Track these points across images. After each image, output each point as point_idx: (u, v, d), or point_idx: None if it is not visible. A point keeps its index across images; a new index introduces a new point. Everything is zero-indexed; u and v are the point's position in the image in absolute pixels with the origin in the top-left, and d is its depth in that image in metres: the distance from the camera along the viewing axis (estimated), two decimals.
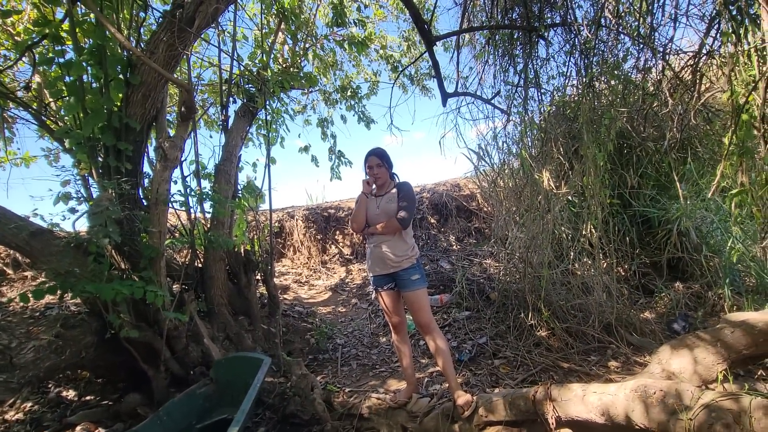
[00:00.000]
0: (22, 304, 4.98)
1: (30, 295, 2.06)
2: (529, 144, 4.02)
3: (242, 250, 3.97)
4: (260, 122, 4.93)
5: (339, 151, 6.22)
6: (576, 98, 3.76)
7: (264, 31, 4.92)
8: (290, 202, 10.07)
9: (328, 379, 3.40)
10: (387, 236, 2.58)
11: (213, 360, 3.13)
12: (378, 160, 2.70)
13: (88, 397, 3.31)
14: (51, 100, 3.32)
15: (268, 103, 4.40)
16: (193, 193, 3.45)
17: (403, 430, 2.56)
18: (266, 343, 3.83)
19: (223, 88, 4.14)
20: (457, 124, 4.30)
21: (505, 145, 4.29)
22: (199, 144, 3.88)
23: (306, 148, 6.16)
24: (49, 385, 3.37)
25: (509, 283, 4.21)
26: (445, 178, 8.68)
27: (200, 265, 3.69)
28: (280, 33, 5.24)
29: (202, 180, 3.82)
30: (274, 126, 4.91)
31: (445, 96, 4.07)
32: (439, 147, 4.46)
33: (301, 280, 6.32)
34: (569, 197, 3.86)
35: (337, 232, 7.40)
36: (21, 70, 4.19)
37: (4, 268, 6.27)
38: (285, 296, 5.46)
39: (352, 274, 6.48)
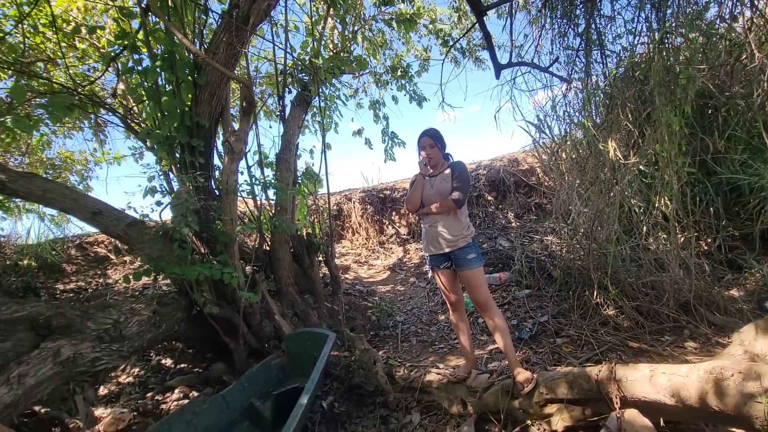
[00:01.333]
0: (124, 285, 5.75)
1: (131, 277, 2.39)
2: (593, 112, 3.75)
3: (304, 233, 4.21)
4: (315, 109, 5.10)
5: (392, 132, 6.25)
6: (647, 57, 3.41)
7: (314, 18, 5.02)
8: (347, 185, 10.37)
9: (389, 354, 3.55)
10: (442, 216, 2.60)
11: (284, 334, 3.41)
12: (431, 141, 2.70)
13: (182, 365, 3.80)
14: (133, 105, 3.73)
15: (321, 90, 4.53)
16: (257, 182, 3.71)
17: (463, 404, 2.63)
18: (330, 320, 4.08)
19: (279, 79, 4.33)
20: (512, 96, 4.12)
21: (566, 114, 4.04)
22: (260, 135, 4.14)
23: (359, 132, 6.26)
24: (151, 354, 3.91)
25: (572, 260, 4.04)
26: (502, 153, 8.37)
27: (268, 249, 3.98)
28: (329, 19, 5.31)
29: (264, 169, 4.08)
30: (327, 112, 5.06)
31: (499, 68, 3.90)
32: (494, 121, 4.31)
33: (360, 261, 6.55)
34: (640, 167, 3.56)
35: (394, 213, 7.51)
36: (107, 80, 4.71)
37: (108, 254, 7.23)
38: (346, 276, 5.71)
39: (409, 253, 6.58)
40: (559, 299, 3.76)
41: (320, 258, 4.41)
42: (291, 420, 1.98)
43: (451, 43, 6.06)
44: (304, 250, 4.13)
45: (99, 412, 2.85)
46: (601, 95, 3.64)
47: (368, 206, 7.48)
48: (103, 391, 3.41)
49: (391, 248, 6.97)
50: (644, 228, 3.52)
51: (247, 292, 2.88)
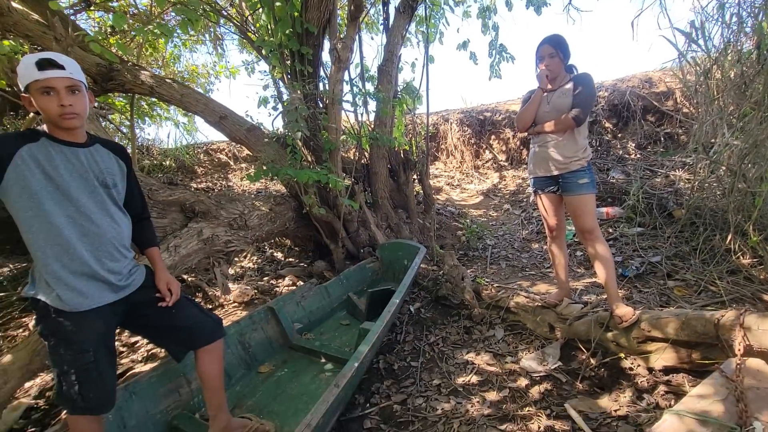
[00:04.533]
0: (241, 187, 6.54)
1: (253, 176, 2.70)
2: None
3: (401, 150, 4.24)
4: (418, 18, 4.76)
5: (501, 45, 5.62)
6: None
7: None
8: (444, 106, 9.92)
9: (477, 274, 3.63)
10: (555, 136, 2.37)
11: (378, 243, 3.66)
12: (551, 49, 2.36)
13: (290, 259, 4.37)
14: (248, 13, 3.86)
15: None
16: (359, 94, 3.73)
17: (550, 328, 2.63)
18: (421, 236, 4.23)
19: None
20: None
21: (734, 18, 3.18)
22: (362, 47, 4.06)
23: (464, 44, 5.76)
24: (266, 247, 4.54)
25: (705, 199, 3.48)
26: (632, 72, 7.09)
27: (366, 162, 4.13)
28: None
29: (365, 82, 4.06)
30: (432, 21, 4.70)
31: None
32: (630, 30, 3.59)
33: (453, 183, 6.48)
34: None
35: (493, 137, 7.09)
36: None
37: (229, 160, 8.20)
38: (437, 197, 5.74)
39: (505, 180, 6.30)
40: (678, 241, 3.35)
41: (415, 176, 4.45)
42: (384, 314, 2.19)
43: None
44: (400, 166, 4.19)
45: (229, 286, 3.48)
46: None
47: (466, 128, 7.15)
48: (231, 271, 4.13)
49: (486, 173, 6.73)
50: None
51: (347, 200, 3.08)
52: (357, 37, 3.57)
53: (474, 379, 2.27)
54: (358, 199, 3.55)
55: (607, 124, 6.37)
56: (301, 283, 3.76)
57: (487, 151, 7.11)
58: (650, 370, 2.10)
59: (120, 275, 1.49)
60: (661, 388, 1.96)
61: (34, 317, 1.44)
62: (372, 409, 2.07)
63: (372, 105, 4.07)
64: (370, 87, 4.21)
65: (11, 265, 4.28)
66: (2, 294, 3.93)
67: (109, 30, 4.98)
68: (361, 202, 3.70)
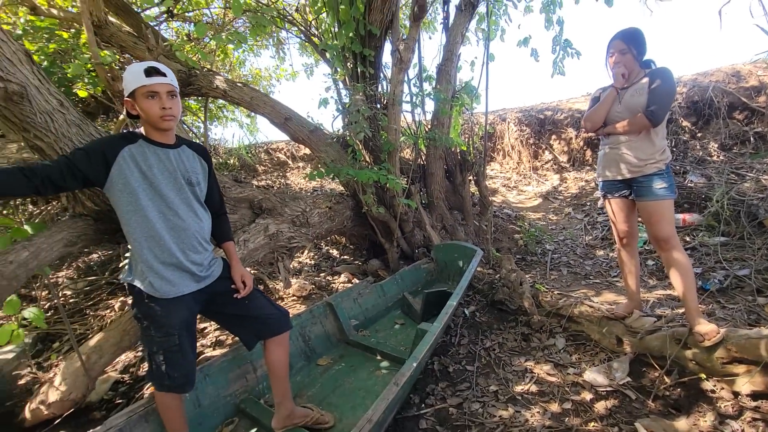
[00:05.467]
0: (298, 185, 6.80)
1: (315, 174, 2.80)
2: None
3: (457, 150, 4.18)
4: (478, 16, 4.67)
5: (565, 40, 5.35)
6: None
7: None
8: (501, 105, 9.64)
9: (535, 279, 3.49)
10: (629, 136, 2.22)
11: (433, 244, 3.65)
12: (623, 45, 2.20)
13: (345, 257, 4.48)
14: (312, 19, 4.01)
15: None
16: (417, 94, 3.74)
17: (618, 341, 2.47)
18: (476, 238, 4.15)
19: None
20: None
21: None
22: (421, 46, 4.05)
23: (525, 41, 5.55)
24: (322, 244, 4.69)
25: None
26: (716, 65, 6.43)
27: (422, 163, 4.12)
28: None
29: (423, 82, 4.05)
30: (494, 18, 4.58)
31: None
32: (718, 19, 3.26)
33: (509, 185, 6.29)
34: None
35: (553, 137, 6.78)
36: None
37: (287, 159, 8.57)
38: (493, 199, 5.60)
39: (566, 182, 5.99)
40: None
41: (471, 177, 4.38)
42: (441, 316, 2.18)
43: None
44: (456, 167, 4.14)
45: (290, 280, 3.63)
46: None
47: (524, 128, 6.90)
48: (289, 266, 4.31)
49: (545, 175, 6.44)
50: None
51: (405, 200, 3.10)
52: (418, 37, 3.57)
53: (533, 388, 2.20)
54: (415, 199, 3.56)
55: (685, 123, 5.84)
56: (356, 281, 3.84)
57: (546, 152, 6.81)
58: (736, 394, 1.92)
59: (201, 266, 1.62)
60: (749, 415, 1.78)
61: (130, 301, 1.60)
62: (427, 410, 2.07)
63: (429, 105, 4.07)
64: (427, 87, 4.20)
65: (100, 253, 4.78)
66: (93, 278, 4.41)
67: (185, 38, 5.40)
68: (418, 203, 3.70)
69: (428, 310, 2.84)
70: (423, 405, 2.12)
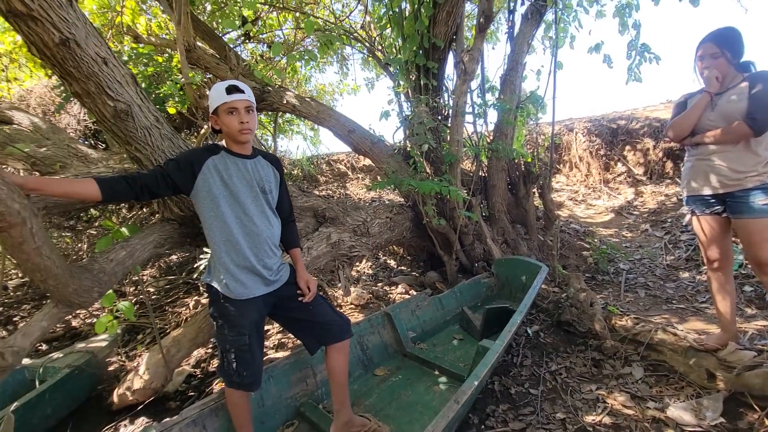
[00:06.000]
0: (357, 195, 6.96)
1: (377, 185, 2.85)
2: None
3: (521, 161, 4.03)
4: (546, 23, 4.50)
5: (642, 44, 4.98)
6: None
7: None
8: (568, 114, 9.17)
9: (608, 301, 3.23)
10: (723, 146, 1.99)
11: (493, 258, 3.52)
12: (714, 48, 1.99)
13: (402, 267, 4.48)
14: (376, 35, 4.13)
15: None
16: (480, 105, 3.67)
17: (709, 376, 2.19)
18: (540, 253, 3.94)
19: None
20: None
21: None
22: (484, 56, 3.98)
23: (597, 47, 5.25)
24: (379, 254, 4.74)
25: None
26: None
27: (484, 175, 4.03)
28: None
29: (486, 92, 3.98)
30: (562, 25, 4.39)
31: None
32: None
33: (576, 198, 5.92)
34: None
35: (627, 147, 6.29)
36: (352, 16, 5.33)
37: (347, 170, 8.83)
38: (559, 213, 5.30)
39: (642, 196, 5.51)
40: None
41: (535, 190, 4.19)
42: (504, 334, 2.09)
43: None
44: (520, 179, 3.99)
45: (350, 288, 3.70)
46: None
47: (594, 138, 6.49)
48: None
49: (617, 188, 5.99)
50: None
51: (467, 212, 3.04)
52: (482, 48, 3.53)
53: (606, 419, 2.01)
54: (476, 211, 3.48)
55: None
56: (414, 292, 3.81)
57: (619, 164, 6.33)
58: None
59: (271, 270, 1.70)
60: None
61: (207, 300, 1.72)
62: None
63: (491, 115, 3.97)
64: (489, 97, 4.12)
65: (179, 254, 5.23)
66: (172, 277, 4.82)
67: (259, 57, 5.82)
68: (478, 216, 3.61)
69: (489, 326, 2.74)
70: (483, 426, 2.03)
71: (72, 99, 3.68)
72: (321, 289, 3.79)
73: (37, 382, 2.35)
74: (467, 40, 3.88)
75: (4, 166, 2.17)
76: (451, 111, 3.02)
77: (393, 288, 3.92)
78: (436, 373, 2.38)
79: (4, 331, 4.00)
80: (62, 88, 3.74)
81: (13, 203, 1.05)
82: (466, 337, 2.86)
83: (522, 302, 2.50)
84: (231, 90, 1.56)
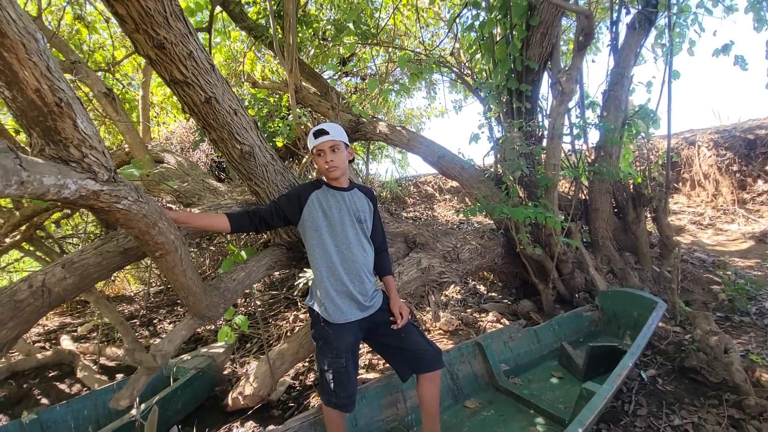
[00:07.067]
0: (444, 217, 6.94)
1: (469, 211, 2.83)
2: None
3: (630, 182, 3.65)
4: (657, 31, 4.08)
5: None
6: None
7: None
8: (687, 126, 8.06)
9: (749, 348, 2.71)
10: None
11: (597, 289, 3.21)
12: None
13: (492, 294, 4.31)
14: (465, 61, 4.17)
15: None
16: (578, 125, 3.45)
17: None
18: (656, 286, 3.48)
19: None
20: None
21: None
22: (583, 72, 3.74)
23: (725, 48, 4.57)
24: (469, 279, 4.63)
25: None
26: None
27: (584, 198, 3.73)
28: None
29: (585, 110, 3.72)
30: (677, 30, 3.94)
31: None
32: None
33: (701, 222, 5.13)
34: None
35: None
36: (442, 43, 5.46)
37: (434, 192, 8.87)
38: (678, 239, 4.64)
39: None
40: None
41: (648, 213, 3.74)
42: (613, 377, 1.88)
43: None
44: (628, 201, 3.61)
45: (439, 314, 3.69)
46: None
47: (723, 152, 5.60)
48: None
49: (758, 210, 5.04)
50: None
51: (566, 239, 2.84)
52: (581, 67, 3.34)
53: None
54: (576, 238, 3.23)
55: None
56: (505, 321, 3.64)
57: (759, 180, 5.34)
58: None
59: (366, 296, 1.80)
60: None
61: (310, 321, 1.88)
62: None
63: (593, 134, 3.70)
64: (590, 114, 3.83)
65: (280, 272, 5.74)
66: (275, 292, 5.30)
67: (353, 88, 6.26)
68: (579, 243, 3.35)
69: (593, 366, 2.49)
70: None
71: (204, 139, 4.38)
72: (411, 315, 3.83)
73: (171, 380, 2.75)
74: (564, 56, 3.70)
75: (158, 199, 2.67)
76: (546, 133, 2.89)
77: (483, 315, 3.79)
78: (532, 412, 2.24)
79: (146, 331, 4.79)
80: (199, 128, 4.47)
81: (170, 234, 1.30)
82: (567, 376, 2.63)
83: (635, 342, 2.23)
84: (318, 134, 1.73)
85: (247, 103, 4.02)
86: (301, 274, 3.15)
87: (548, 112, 3.04)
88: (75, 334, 4.51)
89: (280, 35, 3.14)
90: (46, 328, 4.88)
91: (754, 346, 2.75)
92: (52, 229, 4.28)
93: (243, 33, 4.51)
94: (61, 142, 0.87)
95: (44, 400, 3.16)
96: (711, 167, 5.64)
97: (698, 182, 5.78)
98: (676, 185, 5.98)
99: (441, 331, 3.54)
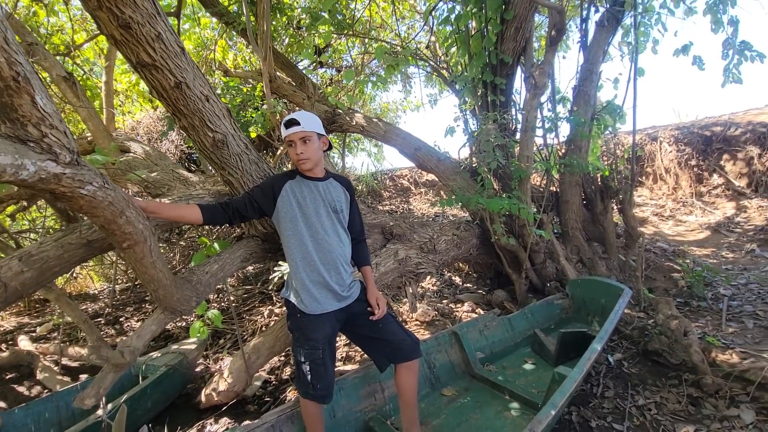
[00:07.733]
0: (420, 210, 6.98)
1: (445, 202, 2.85)
2: None
3: (598, 175, 3.79)
4: (623, 29, 4.23)
5: (742, 42, 4.46)
6: None
7: None
8: (650, 123, 8.43)
9: (706, 330, 2.88)
10: None
11: (567, 277, 3.32)
12: None
13: (467, 285, 4.39)
14: (441, 54, 4.19)
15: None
16: (549, 119, 3.53)
17: None
18: (621, 274, 3.64)
19: None
20: None
21: None
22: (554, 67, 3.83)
23: (685, 48, 4.79)
24: (444, 271, 4.69)
25: None
26: None
27: (555, 190, 3.84)
28: None
29: (557, 104, 3.82)
30: (642, 29, 4.09)
31: None
32: None
33: (663, 214, 5.39)
34: None
35: (725, 156, 5.62)
36: (417, 36, 5.46)
37: (410, 186, 8.91)
38: (642, 230, 4.86)
39: (746, 211, 4.87)
40: None
41: (615, 205, 3.89)
42: (583, 361, 1.95)
43: None
44: (596, 194, 3.74)
45: (416, 305, 3.71)
46: None
47: (683, 147, 5.89)
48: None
49: (713, 202, 5.35)
50: None
51: (537, 229, 2.92)
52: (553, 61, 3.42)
53: None
54: (547, 229, 3.33)
55: None
56: (480, 311, 3.72)
57: (715, 175, 5.67)
58: None
59: (343, 287, 1.79)
60: None
61: (286, 313, 1.85)
62: None
63: (564, 128, 3.80)
64: (561, 109, 3.94)
65: (254, 266, 5.62)
66: (249, 287, 5.19)
67: (328, 80, 6.18)
68: (550, 233, 3.45)
69: (564, 351, 2.58)
70: None
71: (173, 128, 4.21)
72: (388, 305, 3.84)
73: (140, 378, 2.65)
74: (536, 52, 3.78)
75: (125, 189, 2.55)
76: (520, 126, 2.95)
77: (458, 305, 3.85)
78: (507, 397, 2.29)
79: (112, 329, 4.59)
80: (168, 118, 4.29)
81: (138, 224, 1.24)
82: (539, 362, 2.72)
83: (603, 327, 2.33)
84: (287, 124, 1.69)
85: (219, 92, 3.89)
86: (276, 268, 3.10)
87: (522, 106, 3.10)
88: (34, 334, 4.26)
89: (253, 22, 3.05)
90: (2, 328, 4.60)
91: (711, 329, 2.92)
92: (7, 223, 4.02)
93: (214, 19, 4.35)
94: (18, 119, 0.80)
95: (1, 404, 2.98)
96: (672, 162, 5.94)
97: (660, 176, 6.08)
98: (640, 179, 6.26)
99: (418, 323, 3.57)
